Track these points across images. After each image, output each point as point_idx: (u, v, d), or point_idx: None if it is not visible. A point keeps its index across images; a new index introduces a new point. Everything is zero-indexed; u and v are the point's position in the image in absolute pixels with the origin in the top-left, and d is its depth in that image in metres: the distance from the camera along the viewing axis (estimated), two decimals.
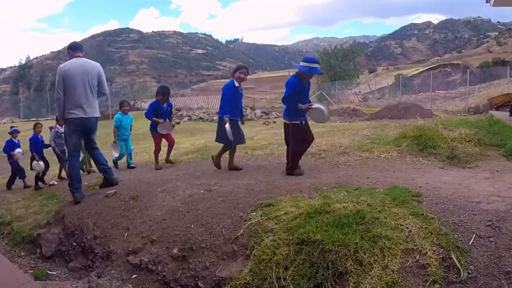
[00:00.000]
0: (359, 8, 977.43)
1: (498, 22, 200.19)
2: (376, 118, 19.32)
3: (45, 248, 6.65)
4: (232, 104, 8.21)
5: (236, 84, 8.26)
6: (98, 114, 7.48)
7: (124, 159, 10.99)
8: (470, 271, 4.12)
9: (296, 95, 7.38)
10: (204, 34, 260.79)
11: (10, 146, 11.20)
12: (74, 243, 6.48)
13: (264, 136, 12.95)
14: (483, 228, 4.58)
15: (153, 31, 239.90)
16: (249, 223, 5.43)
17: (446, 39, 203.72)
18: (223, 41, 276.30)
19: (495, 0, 16.06)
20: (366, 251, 4.46)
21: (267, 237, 5.06)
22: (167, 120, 9.83)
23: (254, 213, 5.62)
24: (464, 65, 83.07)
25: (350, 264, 4.40)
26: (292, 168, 7.55)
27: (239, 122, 8.49)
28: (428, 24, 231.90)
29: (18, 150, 11.15)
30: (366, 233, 4.70)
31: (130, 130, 11.01)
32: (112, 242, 6.06)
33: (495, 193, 5.64)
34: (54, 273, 6.21)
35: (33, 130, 10.92)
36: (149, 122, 9.91)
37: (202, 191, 6.67)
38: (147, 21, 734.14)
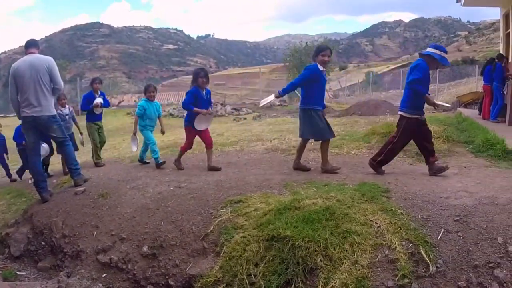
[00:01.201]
0: (331, 5, 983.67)
1: (468, 21, 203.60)
2: (346, 115, 19.42)
3: (14, 248, 6.51)
4: (316, 92, 7.29)
5: (320, 68, 7.24)
6: (50, 112, 7.15)
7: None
8: (438, 265, 4.19)
9: (425, 81, 6.82)
10: (176, 29, 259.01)
11: (21, 134, 10.20)
12: (43, 243, 6.36)
13: (234, 132, 12.92)
14: (451, 223, 4.66)
15: (124, 26, 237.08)
16: (219, 219, 5.43)
17: (416, 37, 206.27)
18: (195, 37, 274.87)
19: (466, 0, 16.31)
20: (336, 247, 4.50)
21: (237, 234, 5.07)
22: (210, 109, 8.15)
23: (224, 210, 5.62)
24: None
25: (320, 260, 4.43)
26: (380, 163, 7.11)
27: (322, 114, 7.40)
28: (399, 22, 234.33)
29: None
30: (335, 228, 4.75)
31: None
32: (82, 241, 5.97)
33: (463, 188, 5.75)
34: (23, 273, 6.09)
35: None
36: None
37: (172, 188, 6.63)
38: (118, 15, 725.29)
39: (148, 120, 8.93)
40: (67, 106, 9.44)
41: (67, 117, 9.22)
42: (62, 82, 7.25)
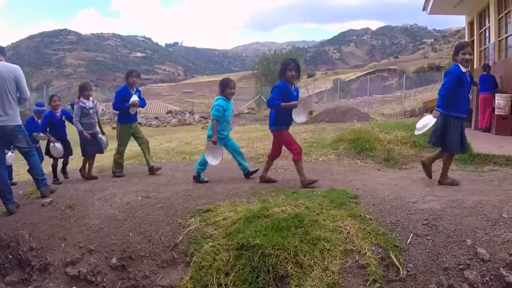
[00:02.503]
0: (299, 14, 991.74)
1: (434, 29, 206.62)
2: (314, 122, 19.51)
3: None
4: (459, 97, 6.48)
5: (463, 69, 6.42)
6: (16, 122, 6.95)
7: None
8: (409, 269, 4.24)
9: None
10: (144, 37, 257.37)
11: (31, 126, 9.18)
12: (9, 256, 6.19)
13: (202, 140, 12.82)
14: (420, 227, 4.73)
15: (92, 33, 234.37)
16: (188, 229, 5.40)
17: (383, 45, 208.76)
18: (163, 45, 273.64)
19: (431, 8, 16.63)
20: (306, 254, 4.51)
21: (206, 243, 5.04)
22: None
23: (193, 219, 5.59)
24: (400, 70, 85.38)
25: (291, 267, 4.44)
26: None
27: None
28: (366, 30, 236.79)
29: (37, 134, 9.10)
30: (305, 236, 4.76)
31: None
32: (49, 254, 5.84)
33: (431, 192, 5.84)
34: None
35: (49, 105, 8.94)
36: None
37: (139, 198, 6.56)
38: (86, 23, 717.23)
39: (225, 123, 7.52)
40: (91, 98, 8.53)
41: (90, 111, 8.36)
42: (28, 92, 7.10)
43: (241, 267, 4.60)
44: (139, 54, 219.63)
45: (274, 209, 5.35)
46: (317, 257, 4.50)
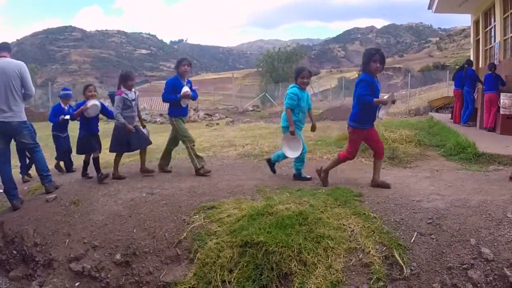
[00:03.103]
0: (304, 12, 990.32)
1: (439, 28, 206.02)
2: (319, 120, 19.52)
3: None
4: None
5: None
6: (20, 118, 6.97)
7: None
8: (412, 268, 4.24)
9: None
10: (148, 34, 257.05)
11: (58, 112, 8.87)
12: (14, 251, 6.22)
13: (207, 138, 12.89)
14: (424, 226, 4.73)
15: (96, 30, 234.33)
16: (192, 226, 5.40)
17: (388, 43, 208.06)
18: (168, 42, 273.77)
19: (437, 7, 16.61)
20: (309, 252, 4.52)
21: (210, 240, 5.05)
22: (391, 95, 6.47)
23: (197, 216, 5.60)
24: (405, 69, 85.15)
25: (294, 265, 4.44)
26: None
27: None
28: (371, 28, 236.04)
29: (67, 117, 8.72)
30: (309, 233, 4.76)
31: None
32: (54, 249, 5.86)
33: (435, 191, 5.84)
34: None
35: (83, 96, 8.24)
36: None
37: (144, 195, 6.57)
38: (90, 19, 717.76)
39: (301, 114, 7.10)
40: (133, 89, 7.81)
41: (133, 103, 7.69)
42: (33, 88, 7.10)
43: (245, 264, 4.61)
44: (144, 51, 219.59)
45: (278, 207, 5.36)
46: (321, 255, 4.51)
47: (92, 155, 8.05)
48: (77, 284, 5.37)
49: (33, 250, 6.02)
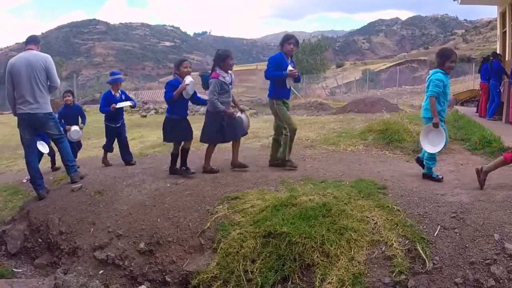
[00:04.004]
0: (327, 3, 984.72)
1: (465, 19, 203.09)
2: (343, 112, 19.47)
3: (10, 245, 6.48)
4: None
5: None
6: (46, 110, 7.04)
7: None
8: (435, 262, 4.21)
9: None
10: (172, 26, 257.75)
11: (108, 102, 8.19)
12: (39, 240, 6.35)
13: None
14: (448, 220, 4.68)
15: (120, 23, 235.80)
16: (215, 216, 5.44)
17: (413, 35, 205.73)
18: (191, 34, 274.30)
19: None
20: (332, 243, 4.52)
21: (234, 230, 5.07)
22: None
23: (221, 206, 5.63)
24: (430, 61, 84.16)
25: (317, 256, 4.45)
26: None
27: None
28: (396, 20, 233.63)
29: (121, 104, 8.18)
30: (332, 225, 4.76)
31: None
32: (78, 238, 5.96)
33: (460, 185, 5.77)
34: (20, 270, 6.07)
35: (175, 74, 7.26)
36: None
37: (168, 185, 6.62)
38: (114, 12, 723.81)
39: (446, 103, 6.37)
40: (230, 71, 7.09)
41: (230, 86, 7.13)
42: (58, 80, 7.18)
43: (268, 254, 4.63)
44: (167, 44, 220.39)
45: (302, 198, 5.36)
46: (343, 247, 4.50)
47: (182, 145, 7.29)
48: (101, 272, 5.46)
49: (58, 238, 6.12)
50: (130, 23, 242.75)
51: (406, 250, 4.38)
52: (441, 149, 6.37)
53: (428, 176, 6.30)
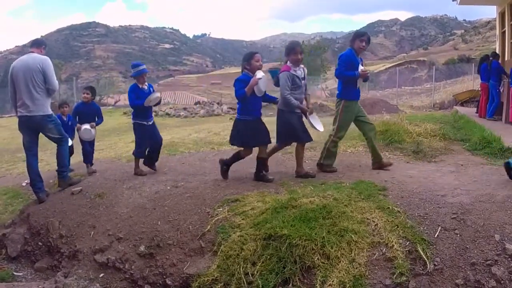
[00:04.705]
0: (327, 5, 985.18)
1: (464, 20, 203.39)
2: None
3: (11, 248, 6.48)
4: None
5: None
6: (44, 112, 7.02)
7: None
8: (436, 263, 4.20)
9: None
10: (172, 28, 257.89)
11: (137, 96, 7.41)
12: (40, 243, 6.35)
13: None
14: (448, 221, 4.67)
15: (120, 25, 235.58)
16: (216, 219, 5.43)
17: (412, 36, 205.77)
18: (191, 36, 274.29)
19: None
20: (333, 245, 4.51)
21: (234, 233, 5.06)
22: None
23: (221, 209, 5.62)
24: (430, 62, 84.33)
25: (318, 258, 4.43)
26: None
27: None
28: (395, 21, 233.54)
29: (155, 95, 7.52)
30: (332, 227, 4.75)
31: None
32: (79, 241, 5.96)
33: (460, 186, 5.77)
34: (20, 274, 6.07)
35: (245, 68, 6.59)
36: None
37: (168, 187, 6.62)
38: (113, 15, 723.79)
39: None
40: (302, 65, 6.68)
41: (302, 82, 6.62)
42: (56, 83, 7.12)
43: (268, 257, 4.61)
44: (167, 46, 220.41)
45: (302, 200, 5.35)
46: (344, 249, 4.49)
47: (258, 152, 6.69)
48: (101, 275, 5.45)
49: (58, 241, 6.13)
50: (130, 25, 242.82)
51: (407, 251, 4.38)
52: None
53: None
